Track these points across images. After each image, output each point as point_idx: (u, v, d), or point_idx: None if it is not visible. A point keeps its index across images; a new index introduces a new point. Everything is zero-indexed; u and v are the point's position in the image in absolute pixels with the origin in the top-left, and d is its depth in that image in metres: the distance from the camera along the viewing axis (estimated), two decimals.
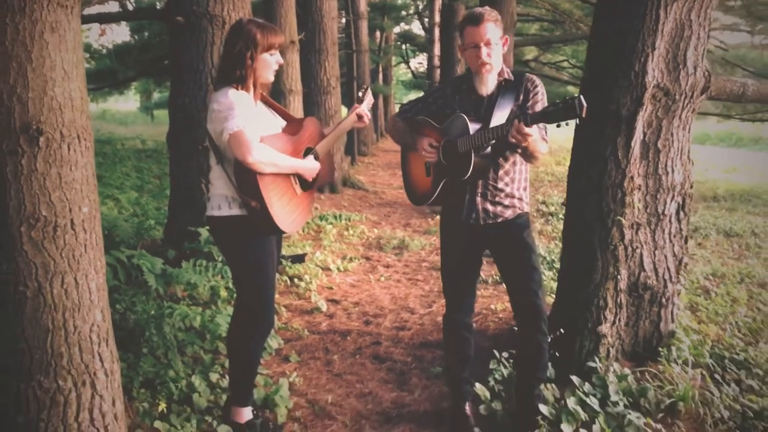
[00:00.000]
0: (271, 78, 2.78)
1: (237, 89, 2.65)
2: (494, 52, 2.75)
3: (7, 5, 2.08)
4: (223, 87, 2.66)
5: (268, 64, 2.72)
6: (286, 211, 2.72)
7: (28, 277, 2.24)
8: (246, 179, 2.62)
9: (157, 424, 2.90)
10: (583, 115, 2.28)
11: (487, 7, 2.81)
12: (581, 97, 2.27)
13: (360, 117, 3.11)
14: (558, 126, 2.43)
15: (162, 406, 3.02)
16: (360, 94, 3.17)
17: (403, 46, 26.25)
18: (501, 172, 2.86)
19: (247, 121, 2.57)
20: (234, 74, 2.65)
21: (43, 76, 2.17)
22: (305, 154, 2.90)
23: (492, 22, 2.72)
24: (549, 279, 5.14)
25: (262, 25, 2.69)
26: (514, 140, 2.51)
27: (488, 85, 2.83)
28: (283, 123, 2.90)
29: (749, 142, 23.73)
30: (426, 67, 26.55)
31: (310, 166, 2.86)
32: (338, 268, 5.78)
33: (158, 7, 10.44)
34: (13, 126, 2.15)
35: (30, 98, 2.16)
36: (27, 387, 2.30)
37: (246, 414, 2.94)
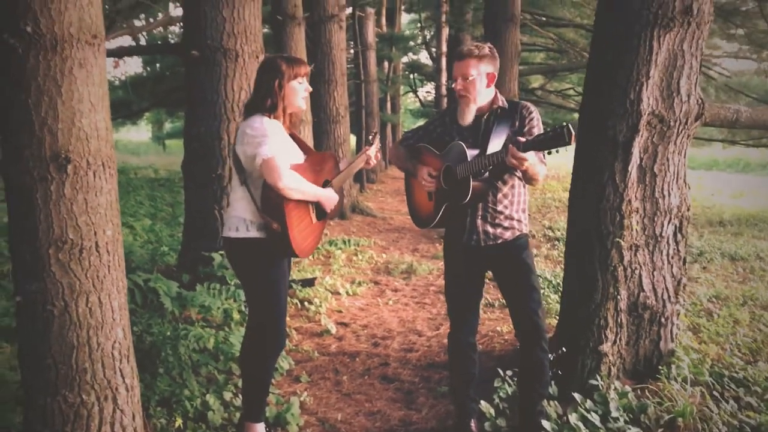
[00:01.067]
0: (303, 105, 2.98)
1: (269, 118, 2.82)
2: (472, 85, 2.93)
3: (41, 44, 2.26)
4: (255, 114, 2.84)
5: (297, 91, 2.91)
6: (303, 236, 2.89)
7: (55, 297, 2.38)
8: (272, 202, 2.78)
9: None
10: (572, 143, 2.42)
11: (478, 44, 2.98)
12: (569, 125, 2.41)
13: (368, 160, 3.29)
14: (549, 153, 2.59)
15: (179, 422, 3.14)
16: (370, 137, 3.38)
17: (411, 76, 26.58)
18: (500, 195, 2.99)
19: (279, 149, 2.75)
20: (265, 104, 2.84)
21: (71, 108, 2.34)
22: (323, 186, 3.07)
23: (474, 59, 2.91)
24: (554, 302, 5.24)
25: (287, 57, 2.93)
26: (511, 164, 2.65)
27: (465, 115, 3.00)
28: (303, 155, 3.06)
29: (757, 168, 23.78)
30: (434, 96, 26.85)
31: (331, 196, 3.05)
32: (347, 292, 5.90)
33: (173, 42, 10.72)
34: (43, 154, 2.31)
35: (59, 129, 2.32)
36: (53, 401, 2.43)
37: (259, 430, 3.05)
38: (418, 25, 25.08)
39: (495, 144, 2.86)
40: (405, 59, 24.00)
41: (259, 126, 2.77)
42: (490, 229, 3.01)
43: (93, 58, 2.40)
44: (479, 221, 3.02)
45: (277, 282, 2.92)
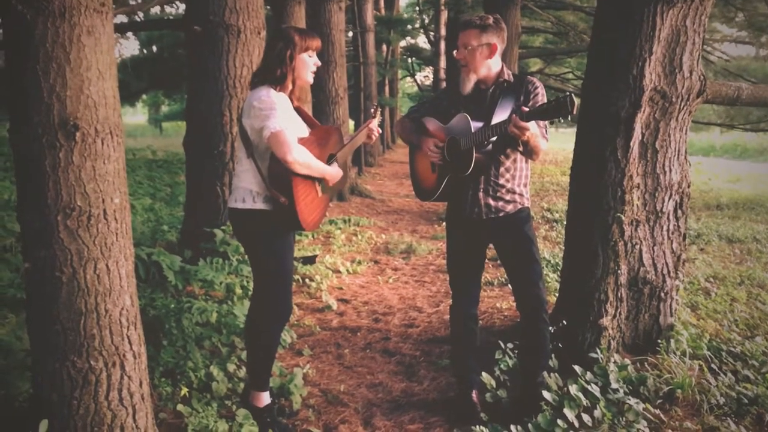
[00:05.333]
0: (310, 79, 2.97)
1: (276, 90, 2.82)
2: (472, 55, 2.95)
3: (49, 11, 2.26)
4: (262, 86, 2.83)
5: (307, 64, 2.91)
6: (309, 209, 2.90)
7: (63, 263, 2.39)
8: (280, 176, 2.78)
9: (180, 407, 3.05)
10: (574, 112, 2.44)
11: (483, 15, 3.00)
12: (572, 94, 2.43)
13: (370, 133, 3.27)
14: (552, 123, 2.61)
15: (184, 391, 3.18)
16: (372, 110, 3.38)
17: (409, 60, 26.53)
18: (502, 169, 3.02)
19: (286, 122, 2.75)
20: (274, 74, 2.84)
21: (80, 75, 2.34)
22: (328, 160, 3.08)
23: (476, 29, 2.93)
24: (553, 281, 5.28)
25: (300, 29, 2.93)
26: (513, 133, 2.67)
27: (465, 84, 3.02)
28: (307, 129, 3.06)
29: (754, 154, 23.81)
30: (432, 80, 26.82)
31: (335, 173, 3.05)
32: (347, 270, 5.94)
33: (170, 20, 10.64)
34: (52, 122, 2.31)
35: (68, 96, 2.32)
36: (61, 366, 2.45)
37: (265, 398, 3.08)
38: (417, 8, 24.99)
39: (499, 116, 2.87)
40: (403, 43, 23.93)
41: (266, 98, 2.76)
42: (492, 203, 3.04)
43: (101, 26, 2.40)
44: (481, 194, 3.05)
45: (282, 253, 2.94)
